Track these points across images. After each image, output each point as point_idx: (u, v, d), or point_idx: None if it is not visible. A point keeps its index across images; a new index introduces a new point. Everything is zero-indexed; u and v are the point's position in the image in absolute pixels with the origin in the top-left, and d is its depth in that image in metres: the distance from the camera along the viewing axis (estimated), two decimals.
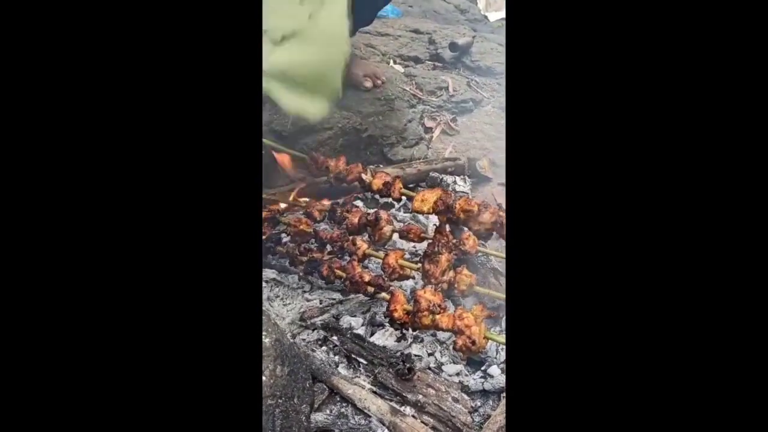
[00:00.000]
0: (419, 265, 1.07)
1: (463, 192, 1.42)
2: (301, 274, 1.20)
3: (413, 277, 1.12)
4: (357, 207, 1.37)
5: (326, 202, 1.31)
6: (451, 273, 1.04)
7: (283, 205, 1.29)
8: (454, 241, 1.08)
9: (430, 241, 1.08)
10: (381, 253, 1.12)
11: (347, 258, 1.17)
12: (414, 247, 1.32)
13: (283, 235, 1.28)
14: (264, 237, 1.18)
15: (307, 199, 1.35)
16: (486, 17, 2.69)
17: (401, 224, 1.24)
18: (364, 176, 1.28)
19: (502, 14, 2.74)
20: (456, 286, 1.03)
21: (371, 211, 1.32)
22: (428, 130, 1.76)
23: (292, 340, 0.91)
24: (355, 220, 1.21)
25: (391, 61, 2.06)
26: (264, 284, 1.18)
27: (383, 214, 1.19)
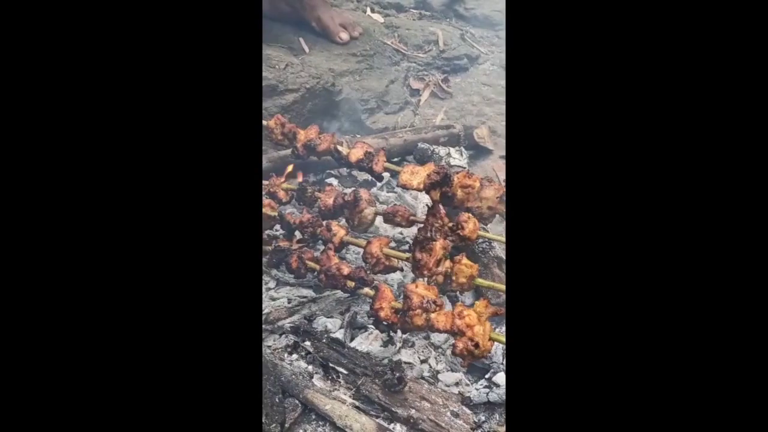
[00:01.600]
0: (408, 254, 1.06)
1: (460, 166, 1.42)
2: (264, 267, 1.18)
3: (401, 269, 1.12)
4: (331, 185, 1.36)
5: (292, 182, 1.29)
6: (448, 263, 1.03)
7: None
8: (451, 224, 1.08)
9: (421, 225, 1.08)
10: (362, 241, 1.11)
11: (321, 247, 1.16)
12: (401, 233, 1.32)
13: None
14: None
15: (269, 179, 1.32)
16: None
17: (384, 206, 1.24)
18: (340, 148, 1.27)
19: None
20: (454, 278, 1.03)
21: (348, 190, 1.31)
22: (415, 92, 1.77)
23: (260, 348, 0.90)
24: (330, 201, 1.20)
25: (369, 9, 2.05)
26: None
27: (363, 194, 1.18)
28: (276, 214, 1.19)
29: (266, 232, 1.18)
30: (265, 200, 1.19)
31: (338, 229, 1.15)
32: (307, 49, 1.69)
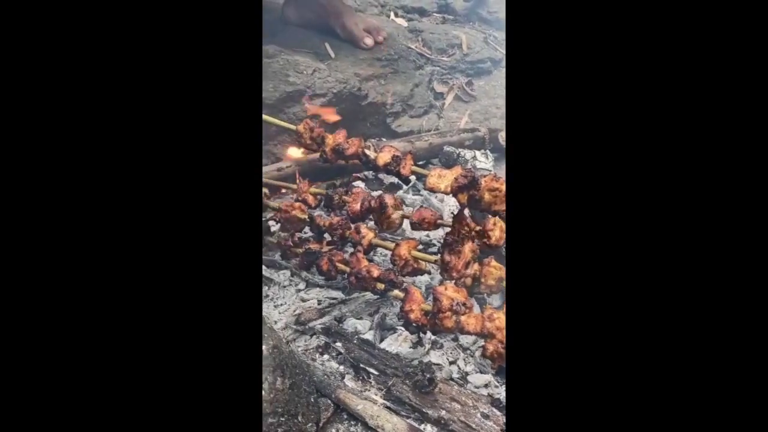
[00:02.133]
0: (436, 257, 1.06)
1: (485, 169, 1.42)
2: (295, 269, 1.19)
3: (429, 272, 1.12)
4: (358, 189, 1.37)
5: (320, 186, 1.31)
6: (476, 265, 1.04)
7: (264, 190, 1.28)
8: (478, 228, 1.08)
9: (448, 228, 1.08)
10: (390, 243, 1.12)
11: (350, 249, 1.17)
12: (427, 235, 1.32)
13: (272, 222, 1.28)
14: None
15: (296, 184, 1.34)
16: None
17: (411, 209, 1.24)
18: (367, 152, 1.27)
19: None
20: (483, 280, 1.03)
21: (375, 193, 1.32)
22: (439, 95, 1.77)
23: (292, 348, 0.91)
24: (357, 206, 1.20)
25: (392, 14, 2.06)
26: None
27: (389, 199, 1.19)
28: (306, 216, 1.20)
29: (296, 235, 1.19)
30: (295, 203, 1.20)
31: (367, 232, 1.16)
32: (333, 55, 1.70)
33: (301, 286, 1.19)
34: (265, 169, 1.40)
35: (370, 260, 1.13)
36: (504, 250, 1.19)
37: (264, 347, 0.80)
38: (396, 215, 1.19)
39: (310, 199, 1.28)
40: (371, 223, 1.22)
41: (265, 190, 1.28)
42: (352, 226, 1.18)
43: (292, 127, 1.33)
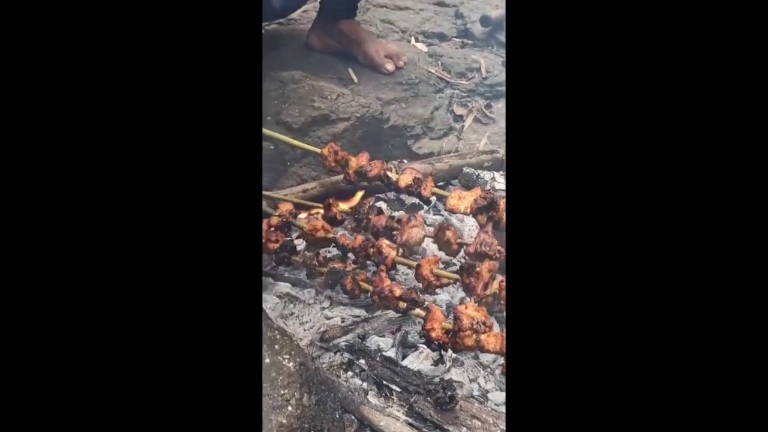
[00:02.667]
0: (457, 275, 1.08)
1: (504, 190, 1.43)
2: (319, 287, 1.22)
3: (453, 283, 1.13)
4: (380, 209, 1.39)
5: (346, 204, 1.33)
6: (496, 284, 1.05)
7: (287, 207, 1.30)
8: (499, 247, 1.09)
9: (468, 246, 1.10)
10: (412, 261, 1.14)
11: (372, 266, 1.19)
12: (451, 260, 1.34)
13: (298, 242, 1.30)
14: (277, 246, 1.20)
15: (320, 209, 1.36)
16: None
17: (432, 228, 1.26)
18: (389, 174, 1.30)
19: None
20: (502, 301, 1.04)
21: (397, 213, 1.34)
22: (459, 118, 1.78)
23: (317, 365, 0.93)
24: (380, 224, 1.22)
25: (413, 39, 2.08)
26: (277, 300, 1.21)
27: (410, 220, 1.21)
28: (331, 236, 1.23)
29: (321, 254, 1.21)
30: (319, 223, 1.22)
31: (389, 251, 1.17)
32: (356, 79, 1.74)
33: (326, 304, 1.21)
34: (291, 190, 1.44)
35: (392, 279, 1.15)
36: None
37: (291, 364, 0.82)
38: (417, 232, 1.22)
39: (337, 214, 1.31)
40: (393, 243, 1.24)
41: (290, 208, 1.31)
42: (376, 244, 1.20)
43: (317, 150, 1.37)
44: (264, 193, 1.34)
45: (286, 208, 1.30)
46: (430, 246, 1.28)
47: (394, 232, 1.21)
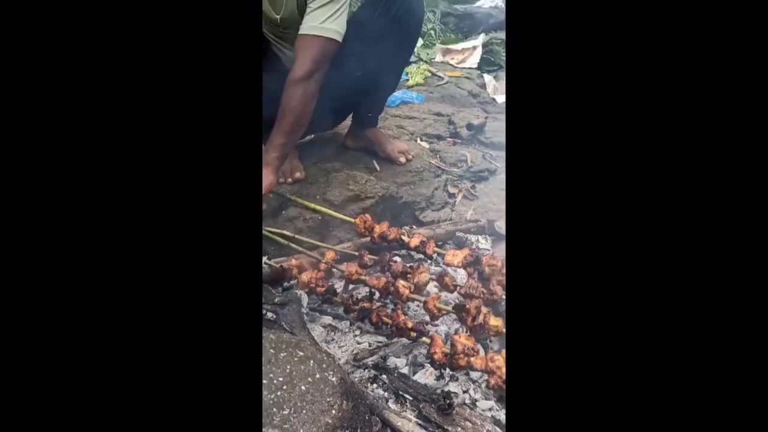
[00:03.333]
0: (453, 310, 1.10)
1: (486, 249, 1.46)
2: (353, 320, 1.24)
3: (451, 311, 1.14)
4: (397, 260, 1.42)
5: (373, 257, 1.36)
6: (481, 317, 1.07)
7: (331, 255, 1.33)
8: (483, 290, 1.12)
9: (461, 288, 1.13)
10: (421, 297, 1.16)
11: (391, 305, 1.21)
12: (446, 296, 1.35)
13: (335, 280, 1.33)
14: (323, 289, 1.23)
15: (346, 269, 1.39)
16: (494, 99, 2.81)
17: (434, 275, 1.28)
18: (403, 237, 1.34)
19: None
20: (486, 330, 1.05)
21: (409, 264, 1.37)
22: (452, 195, 1.80)
23: (352, 379, 0.94)
24: (399, 269, 1.25)
25: (419, 139, 2.14)
26: (322, 329, 1.22)
27: (417, 266, 1.24)
28: (364, 278, 1.25)
29: (354, 295, 1.24)
30: (353, 268, 1.25)
31: (404, 290, 1.20)
32: (378, 168, 1.80)
33: (357, 332, 1.22)
34: (333, 247, 1.47)
35: (405, 314, 1.16)
36: (500, 305, 1.21)
37: (333, 378, 0.84)
38: (425, 275, 1.25)
39: (367, 259, 1.33)
40: (407, 283, 1.26)
41: (333, 255, 1.33)
42: (394, 284, 1.22)
43: (352, 220, 1.42)
44: (317, 244, 1.38)
45: (330, 256, 1.33)
46: (433, 288, 1.30)
47: (408, 275, 1.24)
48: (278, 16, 1.44)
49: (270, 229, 1.42)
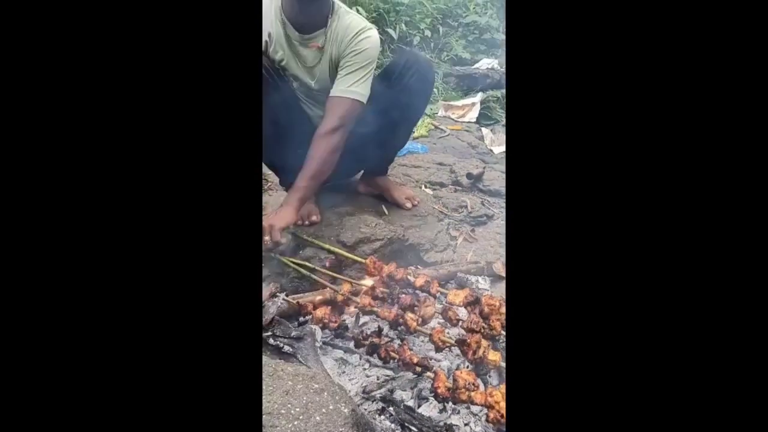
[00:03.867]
0: (456, 343, 1.11)
1: (485, 289, 1.48)
2: (362, 354, 1.25)
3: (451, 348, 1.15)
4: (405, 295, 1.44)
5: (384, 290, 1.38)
6: (481, 350, 1.08)
7: (347, 288, 1.36)
8: (483, 325, 1.14)
9: (463, 322, 1.15)
10: (427, 329, 1.18)
11: (398, 340, 1.22)
12: (449, 330, 1.36)
13: (346, 316, 1.35)
14: (336, 324, 1.25)
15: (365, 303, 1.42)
16: (491, 151, 2.91)
17: (439, 310, 1.30)
18: (409, 276, 1.38)
19: (503, 148, 2.95)
20: (485, 362, 1.06)
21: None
22: (453, 238, 1.83)
23: (361, 411, 0.94)
24: (407, 302, 1.28)
25: (423, 186, 2.20)
26: (334, 362, 1.23)
27: (423, 299, 1.26)
28: (376, 309, 1.27)
29: (364, 331, 1.26)
30: (365, 299, 1.28)
31: (412, 322, 1.22)
32: (387, 213, 1.85)
33: (366, 366, 1.23)
34: (363, 284, 1.50)
35: (411, 349, 1.18)
36: (498, 341, 1.23)
37: (345, 409, 0.85)
38: (431, 308, 1.27)
39: (379, 292, 1.35)
40: (414, 316, 1.28)
41: (349, 287, 1.36)
42: (403, 316, 1.24)
43: (363, 260, 1.46)
44: (336, 276, 1.42)
45: (346, 288, 1.36)
46: (437, 323, 1.31)
47: (415, 308, 1.26)
48: (313, 83, 1.55)
49: (294, 260, 1.46)
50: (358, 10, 3.73)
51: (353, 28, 1.41)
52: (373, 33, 1.44)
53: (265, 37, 1.45)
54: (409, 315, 1.21)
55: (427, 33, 4.40)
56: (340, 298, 1.31)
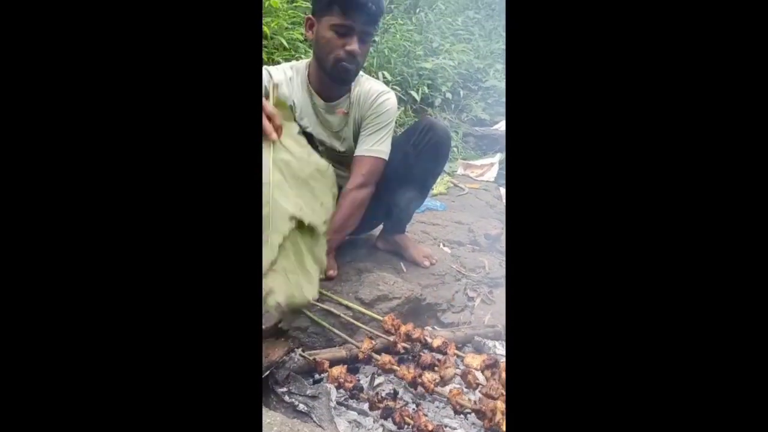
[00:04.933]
0: (474, 406, 1.10)
1: (501, 354, 1.47)
2: (376, 418, 1.24)
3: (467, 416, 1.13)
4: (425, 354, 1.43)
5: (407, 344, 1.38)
6: (498, 416, 1.06)
7: (368, 345, 1.36)
8: (502, 391, 1.13)
9: (482, 387, 1.14)
10: (445, 390, 1.17)
11: (413, 404, 1.21)
12: (467, 394, 1.34)
13: (362, 376, 1.35)
14: (351, 385, 1.26)
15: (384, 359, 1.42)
16: None
17: (459, 372, 1.29)
18: (426, 337, 1.38)
19: None
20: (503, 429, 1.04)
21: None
22: (471, 299, 1.84)
23: None
24: (427, 360, 1.28)
25: (441, 244, 2.24)
26: (347, 424, 1.22)
27: (444, 360, 1.26)
28: (396, 368, 1.27)
29: (380, 393, 1.25)
30: (386, 357, 1.28)
31: (430, 384, 1.21)
32: (405, 270, 1.88)
33: (380, 430, 1.21)
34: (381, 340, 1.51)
35: (426, 415, 1.16)
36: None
37: None
38: (450, 370, 1.26)
39: (400, 347, 1.35)
40: (433, 376, 1.27)
41: (371, 344, 1.36)
42: (422, 375, 1.24)
43: (381, 318, 1.48)
44: (360, 327, 1.43)
45: (367, 345, 1.37)
46: (456, 384, 1.30)
47: (435, 368, 1.25)
48: (339, 145, 1.69)
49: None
50: (384, 75, 4.00)
51: (374, 92, 1.55)
52: (392, 96, 1.58)
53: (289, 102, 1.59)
54: (427, 376, 1.21)
55: (449, 95, 4.64)
56: (361, 355, 1.32)
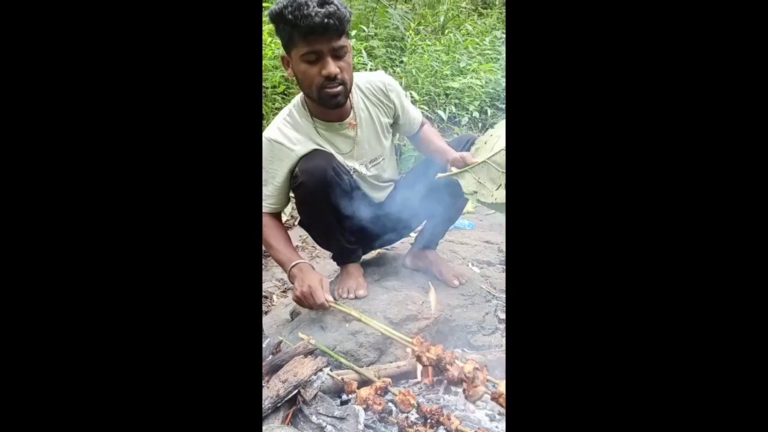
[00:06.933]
0: None
1: None
2: None
3: None
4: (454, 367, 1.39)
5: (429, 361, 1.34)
6: None
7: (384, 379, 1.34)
8: None
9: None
10: (469, 431, 1.12)
11: (444, 431, 1.17)
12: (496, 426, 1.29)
13: (391, 404, 1.32)
14: (379, 407, 1.23)
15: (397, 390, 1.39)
16: None
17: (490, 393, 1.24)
18: (457, 361, 1.34)
19: None
20: None
21: (469, 369, 1.34)
22: (501, 321, 1.78)
23: None
24: (455, 374, 1.23)
25: (471, 264, 2.20)
26: None
27: (480, 374, 1.21)
28: (415, 402, 1.23)
29: (410, 418, 1.21)
30: (409, 398, 1.25)
31: (455, 420, 1.16)
32: (433, 289, 1.85)
33: None
34: (390, 364, 1.48)
35: None
36: None
37: None
38: (481, 389, 1.21)
39: (425, 359, 1.32)
40: (458, 410, 1.23)
41: (387, 380, 1.34)
42: (445, 414, 1.19)
43: (409, 339, 1.45)
44: (368, 370, 1.41)
45: (387, 380, 1.34)
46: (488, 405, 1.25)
47: (464, 384, 1.20)
48: (367, 172, 1.74)
49: (339, 305, 1.48)
50: (411, 94, 4.05)
51: (376, 84, 1.61)
52: (382, 73, 1.69)
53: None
54: (452, 415, 1.17)
55: (476, 114, 4.64)
56: (379, 384, 1.29)
